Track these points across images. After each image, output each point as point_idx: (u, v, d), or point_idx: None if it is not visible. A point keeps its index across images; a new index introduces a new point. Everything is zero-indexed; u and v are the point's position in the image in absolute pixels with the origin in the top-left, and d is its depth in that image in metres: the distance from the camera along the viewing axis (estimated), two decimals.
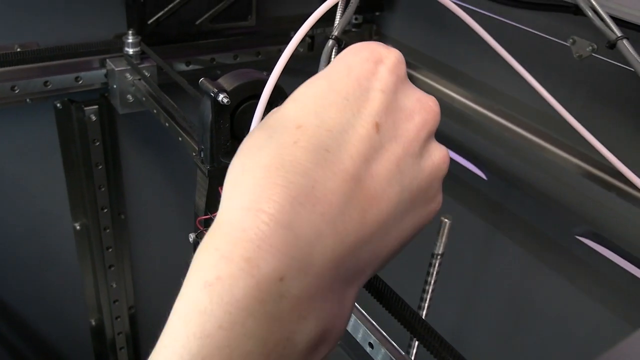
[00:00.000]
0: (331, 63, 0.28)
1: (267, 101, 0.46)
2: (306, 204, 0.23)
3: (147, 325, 1.19)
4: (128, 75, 0.85)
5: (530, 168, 0.89)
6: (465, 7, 0.87)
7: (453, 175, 1.02)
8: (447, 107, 0.95)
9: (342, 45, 0.52)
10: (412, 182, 0.26)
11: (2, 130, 0.87)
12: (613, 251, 0.80)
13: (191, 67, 0.94)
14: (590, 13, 0.59)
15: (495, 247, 1.00)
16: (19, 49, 0.82)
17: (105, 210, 1.00)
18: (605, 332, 0.83)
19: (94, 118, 0.90)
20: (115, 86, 0.85)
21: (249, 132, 0.27)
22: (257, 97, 0.46)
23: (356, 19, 1.07)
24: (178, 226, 1.08)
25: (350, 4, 0.49)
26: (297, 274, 0.22)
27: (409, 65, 1.01)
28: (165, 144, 1.01)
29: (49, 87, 0.84)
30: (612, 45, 0.56)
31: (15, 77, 0.81)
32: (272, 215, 0.22)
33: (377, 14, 1.08)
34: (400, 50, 0.29)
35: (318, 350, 0.24)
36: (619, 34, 0.56)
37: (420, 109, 0.27)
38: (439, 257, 0.75)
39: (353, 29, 1.08)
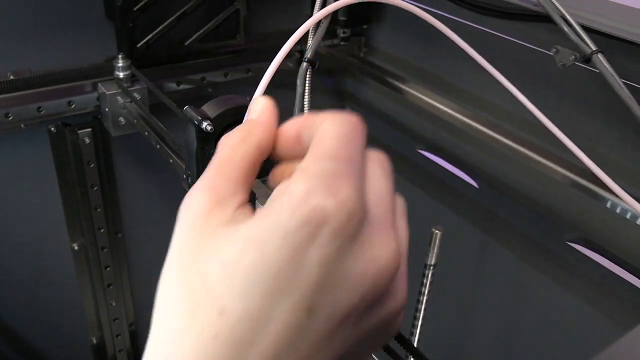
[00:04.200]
0: (268, 214, 0.23)
1: None
2: None
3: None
4: (119, 98, 0.86)
5: (521, 176, 0.90)
6: (450, 18, 0.88)
7: (445, 184, 1.03)
8: (436, 118, 0.96)
9: (316, 67, 0.54)
10: (347, 345, 0.24)
11: None
12: (603, 256, 0.81)
13: (182, 86, 0.95)
14: (565, 27, 0.60)
15: (487, 254, 1.01)
16: (11, 77, 0.83)
17: (102, 230, 1.01)
18: (598, 335, 0.84)
19: (87, 141, 0.92)
20: (107, 109, 0.87)
21: (167, 276, 0.25)
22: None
23: (344, 32, 1.07)
24: None
25: (320, 26, 0.50)
26: None
27: (397, 77, 1.02)
28: (158, 163, 1.02)
29: (43, 112, 0.85)
30: (587, 59, 0.57)
31: (9, 104, 0.83)
32: None
33: (364, 27, 1.09)
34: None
35: None
36: (593, 48, 0.57)
37: (375, 270, 0.23)
38: (431, 267, 0.76)
39: (342, 43, 1.08)
